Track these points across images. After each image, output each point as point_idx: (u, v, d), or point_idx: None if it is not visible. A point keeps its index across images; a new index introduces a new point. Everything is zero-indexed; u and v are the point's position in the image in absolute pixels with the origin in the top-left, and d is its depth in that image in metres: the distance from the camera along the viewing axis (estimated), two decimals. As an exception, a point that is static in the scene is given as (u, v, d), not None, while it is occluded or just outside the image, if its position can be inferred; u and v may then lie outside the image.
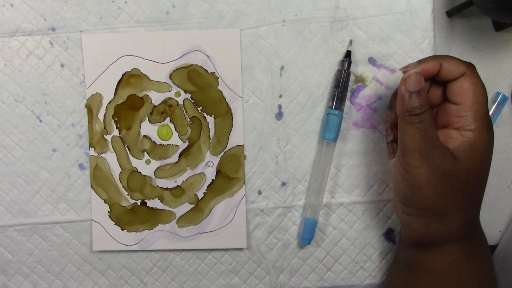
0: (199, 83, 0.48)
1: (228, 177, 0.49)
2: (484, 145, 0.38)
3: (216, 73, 0.48)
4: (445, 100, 0.40)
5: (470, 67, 0.38)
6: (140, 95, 0.48)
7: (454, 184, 0.37)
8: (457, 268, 0.39)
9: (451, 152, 0.37)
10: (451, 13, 0.51)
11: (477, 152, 0.37)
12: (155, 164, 0.49)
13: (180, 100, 0.49)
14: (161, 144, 0.49)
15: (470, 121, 0.37)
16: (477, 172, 0.38)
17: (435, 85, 0.41)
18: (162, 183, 0.49)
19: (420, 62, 0.39)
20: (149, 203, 0.49)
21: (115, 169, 0.49)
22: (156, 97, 0.48)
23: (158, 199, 0.49)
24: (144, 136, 0.49)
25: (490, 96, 0.52)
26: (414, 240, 0.41)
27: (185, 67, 0.48)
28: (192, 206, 0.49)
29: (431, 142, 0.37)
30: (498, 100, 0.52)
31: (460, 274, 0.39)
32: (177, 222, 0.49)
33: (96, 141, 0.49)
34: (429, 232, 0.39)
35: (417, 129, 0.37)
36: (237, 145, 0.49)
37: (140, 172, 0.49)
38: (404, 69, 0.38)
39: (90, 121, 0.49)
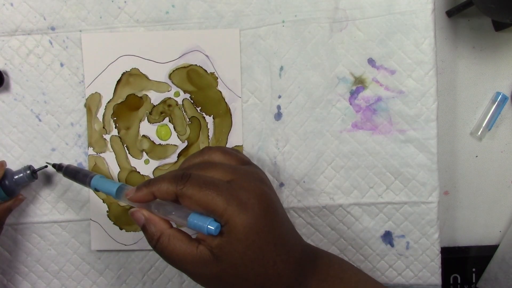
0: (198, 83, 0.48)
1: (227, 177, 0.49)
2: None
3: (215, 73, 0.48)
4: None
5: (181, 182, 0.35)
6: (139, 94, 0.48)
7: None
8: None
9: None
10: (451, 13, 0.51)
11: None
12: (154, 164, 0.49)
13: (179, 100, 0.49)
14: (160, 144, 0.49)
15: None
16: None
17: None
18: (161, 183, 0.49)
19: (137, 190, 0.37)
20: (148, 203, 0.49)
21: (114, 169, 0.49)
22: (155, 97, 0.48)
23: (157, 199, 0.49)
24: (143, 136, 0.49)
25: (490, 96, 0.52)
26: None
27: (184, 67, 0.48)
28: (191, 206, 0.49)
29: (177, 263, 0.36)
30: (498, 100, 0.52)
31: None
32: (176, 222, 0.49)
33: (95, 141, 0.49)
34: None
35: (162, 255, 0.36)
36: (236, 146, 0.49)
37: (139, 172, 0.49)
38: (127, 196, 0.38)
39: (89, 121, 0.49)
